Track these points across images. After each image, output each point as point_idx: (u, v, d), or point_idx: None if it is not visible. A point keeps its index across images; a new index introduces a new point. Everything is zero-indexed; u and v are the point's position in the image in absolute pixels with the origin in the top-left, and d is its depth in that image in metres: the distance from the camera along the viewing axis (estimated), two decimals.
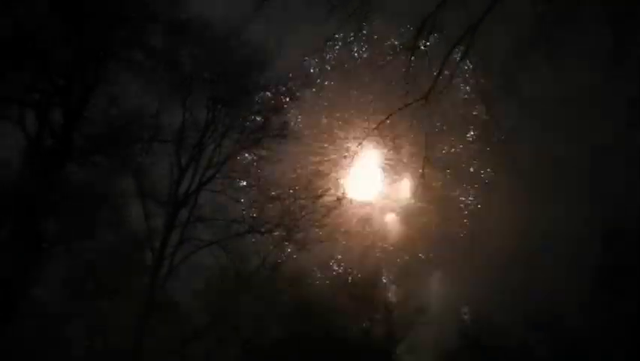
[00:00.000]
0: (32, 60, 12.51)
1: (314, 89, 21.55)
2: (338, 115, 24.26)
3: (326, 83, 21.90)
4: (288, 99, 21.03)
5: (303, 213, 22.01)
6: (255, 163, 21.03)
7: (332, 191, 23.04)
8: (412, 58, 12.42)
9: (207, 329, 18.94)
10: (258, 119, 20.78)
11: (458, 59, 12.34)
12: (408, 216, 23.82)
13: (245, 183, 21.40)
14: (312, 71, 21.69)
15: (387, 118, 14.07)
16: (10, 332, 14.23)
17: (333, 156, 22.60)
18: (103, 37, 12.78)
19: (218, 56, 18.34)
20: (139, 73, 15.17)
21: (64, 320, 16.78)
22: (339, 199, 22.57)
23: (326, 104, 23.77)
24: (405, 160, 21.85)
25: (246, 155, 20.98)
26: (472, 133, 20.25)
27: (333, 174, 22.85)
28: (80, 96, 13.37)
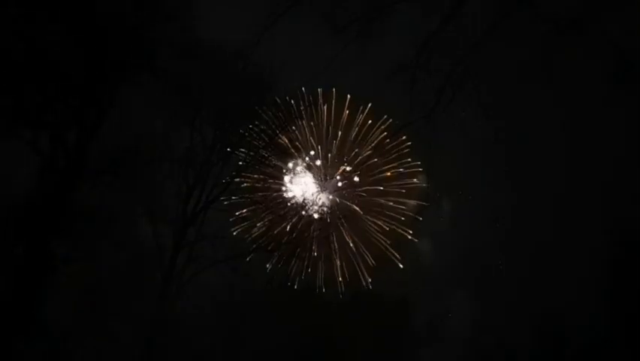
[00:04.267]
0: (48, 82, 12.88)
1: (319, 108, 22.00)
2: (343, 133, 24.64)
3: (330, 101, 22.40)
4: (293, 118, 21.48)
5: (310, 230, 22.22)
6: (261, 181, 21.35)
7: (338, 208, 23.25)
8: (414, 76, 12.79)
9: (216, 347, 18.92)
10: (264, 137, 21.20)
11: (460, 76, 12.69)
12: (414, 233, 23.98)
13: (251, 201, 21.67)
14: (316, 90, 22.26)
15: (392, 135, 14.41)
16: (21, 353, 14.29)
17: (338, 173, 22.94)
18: (117, 60, 13.20)
19: (225, 76, 18.79)
20: (150, 95, 15.58)
21: (73, 340, 16.80)
22: (345, 216, 22.80)
23: (330, 122, 24.18)
24: (414, 179, 22.24)
25: (253, 173, 21.32)
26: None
27: (340, 191, 23.11)
28: (93, 118, 13.74)
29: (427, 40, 12.72)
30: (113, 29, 12.50)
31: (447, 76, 12.71)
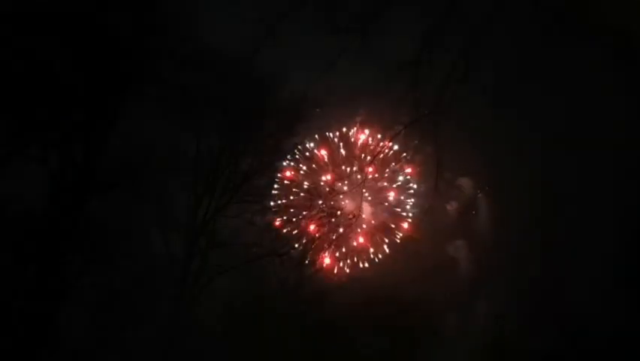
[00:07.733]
0: (53, 100, 13.01)
1: (323, 110, 21.96)
2: (348, 134, 24.61)
3: (334, 102, 22.34)
4: (298, 121, 21.46)
5: (319, 233, 22.16)
6: (268, 186, 21.35)
7: (346, 209, 23.22)
8: (417, 73, 12.69)
9: (231, 354, 18.94)
10: (270, 142, 21.18)
11: (463, 70, 12.58)
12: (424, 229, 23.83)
13: (260, 207, 21.68)
14: (320, 92, 22.20)
15: (397, 134, 14.35)
16: None
17: (346, 174, 22.90)
18: (120, 73, 13.30)
19: (229, 83, 18.85)
20: (154, 106, 15.68)
21: (90, 353, 16.93)
22: (353, 217, 22.71)
23: (335, 123, 24.13)
24: (420, 174, 22.06)
25: (260, 178, 21.33)
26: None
27: (347, 193, 23.06)
28: (100, 133, 13.86)
29: (428, 35, 12.64)
30: (114, 42, 12.59)
31: (449, 69, 12.61)
